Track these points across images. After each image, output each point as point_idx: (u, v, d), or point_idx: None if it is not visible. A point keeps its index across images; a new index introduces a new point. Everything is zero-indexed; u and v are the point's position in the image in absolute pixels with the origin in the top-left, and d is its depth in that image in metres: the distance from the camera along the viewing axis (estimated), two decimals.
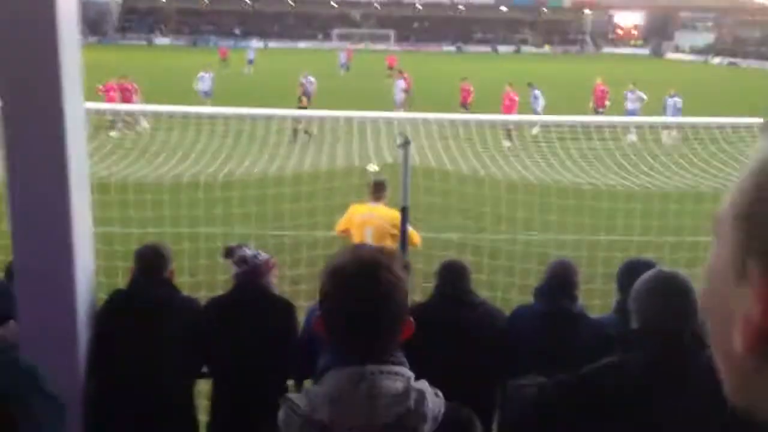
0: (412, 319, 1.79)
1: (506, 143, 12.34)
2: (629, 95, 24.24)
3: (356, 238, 7.22)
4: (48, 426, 1.81)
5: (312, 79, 27.24)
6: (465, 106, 24.85)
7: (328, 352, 1.85)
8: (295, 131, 12.44)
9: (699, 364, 2.45)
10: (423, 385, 1.73)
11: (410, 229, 7.53)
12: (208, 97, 27.24)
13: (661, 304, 2.54)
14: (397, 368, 1.73)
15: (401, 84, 26.94)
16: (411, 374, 1.74)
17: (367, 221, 7.23)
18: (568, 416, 2.61)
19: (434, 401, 1.71)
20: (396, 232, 7.30)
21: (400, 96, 26.48)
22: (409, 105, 26.53)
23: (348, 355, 1.73)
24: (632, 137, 15.45)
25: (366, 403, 1.65)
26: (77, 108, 3.59)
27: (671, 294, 2.54)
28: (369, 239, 7.21)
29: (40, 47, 3.33)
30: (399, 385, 1.68)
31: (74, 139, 3.48)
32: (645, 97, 24.07)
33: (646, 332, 2.57)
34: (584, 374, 2.62)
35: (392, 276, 1.72)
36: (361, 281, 1.71)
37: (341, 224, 7.44)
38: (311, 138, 10.67)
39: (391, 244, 7.19)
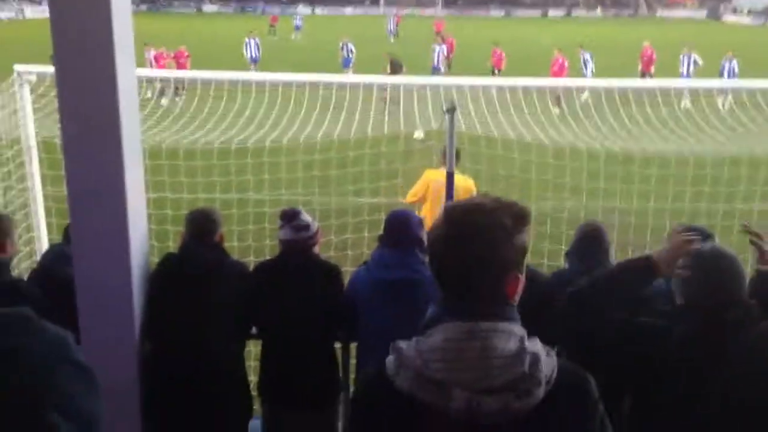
0: (521, 274, 1.72)
1: (555, 110, 12.12)
2: (684, 59, 23.54)
3: (431, 204, 7.26)
4: (79, 396, 1.85)
5: (351, 46, 27.23)
6: (496, 72, 24.51)
7: (438, 302, 1.75)
8: (384, 102, 12.35)
9: (743, 341, 2.44)
10: (536, 345, 1.66)
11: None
12: (255, 62, 27.48)
13: (703, 280, 2.54)
14: (510, 326, 1.67)
15: (442, 48, 26.60)
16: (523, 332, 1.67)
17: (443, 188, 7.25)
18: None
19: (547, 363, 1.64)
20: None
21: (440, 61, 26.20)
22: (447, 69, 26.34)
23: (459, 308, 1.68)
24: (687, 102, 15.06)
25: (479, 364, 1.60)
26: (129, 76, 3.66)
27: (715, 271, 2.53)
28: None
29: (93, 15, 3.39)
30: (512, 345, 1.62)
31: (127, 106, 3.54)
32: (700, 61, 23.35)
33: (687, 307, 2.57)
34: (640, 323, 2.62)
35: (504, 231, 1.65)
36: (472, 232, 1.65)
37: (417, 190, 7.45)
38: (386, 106, 10.64)
39: None
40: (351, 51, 27.47)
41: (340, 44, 28.06)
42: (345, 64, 27.36)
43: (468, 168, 8.91)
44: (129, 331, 3.72)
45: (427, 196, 7.38)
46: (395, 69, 6.93)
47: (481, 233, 1.65)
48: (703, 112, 9.15)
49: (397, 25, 48.02)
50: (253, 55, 27.63)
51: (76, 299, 3.59)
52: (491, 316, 1.66)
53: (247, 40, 27.86)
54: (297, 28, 47.23)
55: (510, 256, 1.68)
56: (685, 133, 9.20)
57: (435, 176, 7.43)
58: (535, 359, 1.61)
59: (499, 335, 1.63)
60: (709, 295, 2.51)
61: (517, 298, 1.73)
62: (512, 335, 1.64)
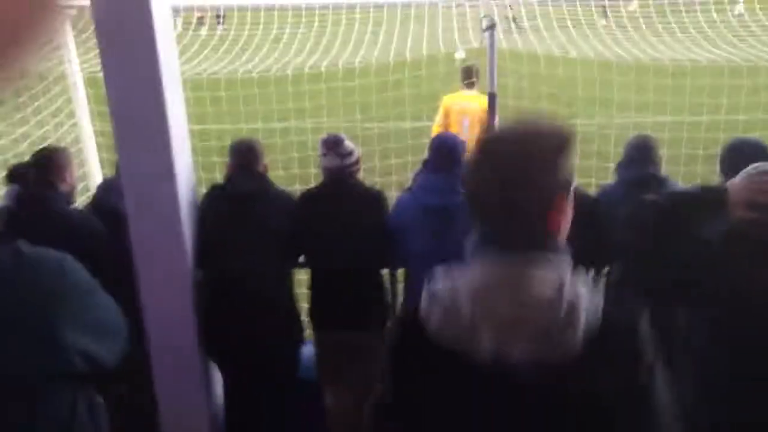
0: (566, 202, 1.54)
1: (602, 21, 11.70)
2: None
3: (454, 129, 7.17)
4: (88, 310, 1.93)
5: None
6: None
7: (475, 232, 1.61)
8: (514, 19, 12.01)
9: None
10: (578, 286, 1.45)
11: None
12: None
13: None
14: (550, 261, 1.47)
15: None
16: (566, 270, 1.47)
17: (465, 110, 7.16)
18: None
19: (591, 307, 1.44)
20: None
21: None
22: None
23: (494, 239, 1.52)
24: (740, 8, 14.38)
25: (510, 306, 1.44)
26: (165, 6, 3.63)
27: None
28: (466, 130, 7.15)
29: None
30: (550, 286, 1.43)
31: (163, 37, 3.52)
32: None
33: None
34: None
35: (545, 157, 1.47)
36: (506, 148, 1.49)
37: (440, 118, 7.37)
38: (520, 30, 10.29)
39: (479, 132, 7.12)
40: None
41: None
42: None
43: (510, 86, 8.73)
44: (181, 260, 3.81)
45: (449, 122, 7.27)
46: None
47: (517, 154, 1.47)
48: (758, 17, 8.71)
49: None
50: None
51: (129, 231, 3.67)
52: (530, 249, 1.47)
53: None
54: None
55: (551, 181, 1.48)
56: (739, 40, 8.80)
57: (453, 100, 7.30)
58: (574, 305, 1.42)
59: (536, 273, 1.45)
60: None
61: (562, 229, 1.54)
62: (551, 274, 1.45)
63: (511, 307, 1.44)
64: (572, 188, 1.55)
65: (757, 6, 9.49)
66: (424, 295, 1.53)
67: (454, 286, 1.50)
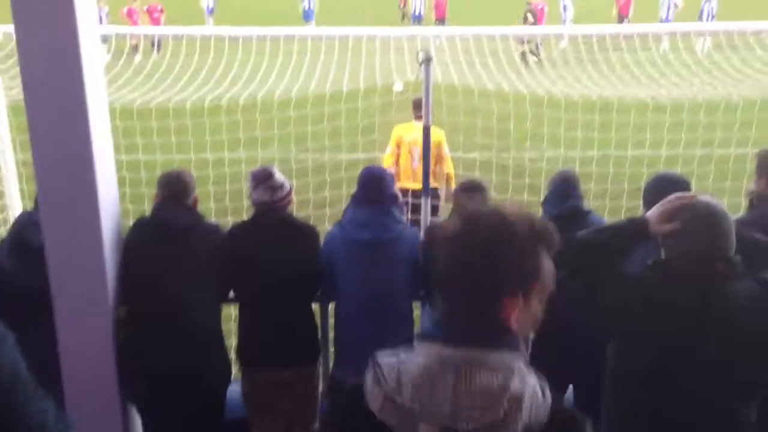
0: (527, 298, 1.50)
1: (533, 57, 12.03)
2: (663, 2, 23.34)
3: (404, 160, 7.23)
4: None
5: None
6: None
7: (435, 312, 1.57)
8: (523, 54, 12.03)
9: (733, 293, 2.45)
10: (525, 385, 1.42)
11: (448, 155, 7.51)
12: (212, 14, 27.22)
13: (695, 236, 2.52)
14: (501, 357, 1.45)
15: None
16: (517, 366, 1.44)
17: (417, 141, 7.23)
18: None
19: (537, 407, 1.41)
20: (438, 152, 7.30)
21: (421, 8, 25.81)
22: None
23: (448, 327, 1.50)
24: (665, 46, 15.00)
25: (451, 400, 1.41)
26: (92, 33, 3.55)
27: (706, 226, 2.51)
28: (416, 160, 7.21)
29: None
30: (495, 382, 1.41)
31: (90, 66, 3.44)
32: (680, 3, 23.16)
33: (678, 262, 2.55)
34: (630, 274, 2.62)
35: (510, 245, 1.47)
36: (473, 247, 1.48)
37: (391, 148, 7.41)
38: (539, 60, 10.34)
39: (433, 163, 7.20)
40: (313, 0, 26.83)
41: None
42: (306, 17, 26.84)
43: (446, 120, 8.85)
44: (102, 296, 3.69)
45: (401, 152, 7.36)
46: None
47: (486, 242, 1.46)
48: (681, 57, 9.11)
49: None
50: (210, 6, 27.38)
51: (47, 266, 3.54)
52: (482, 342, 1.46)
53: None
54: None
55: (514, 274, 1.47)
56: (663, 78, 9.16)
57: (405, 131, 7.38)
58: (518, 403, 1.39)
59: (482, 369, 1.43)
60: (700, 249, 2.50)
61: (520, 326, 1.49)
62: (499, 370, 1.43)
63: (453, 397, 1.41)
64: (541, 286, 1.51)
65: (681, 44, 9.90)
66: (369, 374, 1.52)
67: (399, 369, 1.48)
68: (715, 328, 2.43)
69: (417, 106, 7.44)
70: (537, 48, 15.62)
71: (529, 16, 21.91)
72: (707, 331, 2.42)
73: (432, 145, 7.15)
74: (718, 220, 2.50)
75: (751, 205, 3.76)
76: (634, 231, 2.63)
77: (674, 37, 9.69)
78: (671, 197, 2.59)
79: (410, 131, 7.44)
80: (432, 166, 7.32)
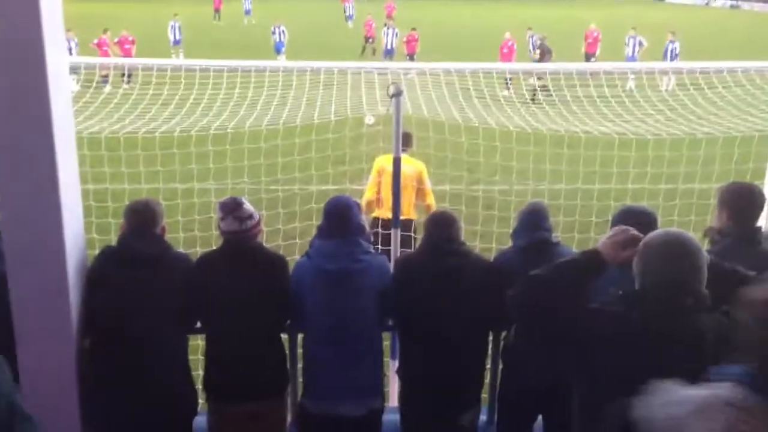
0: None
1: (504, 92, 12.20)
2: (629, 41, 23.97)
3: (385, 189, 7.24)
4: None
5: (284, 29, 27.24)
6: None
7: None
8: (534, 92, 12.03)
9: (699, 327, 2.48)
10: None
11: (429, 187, 7.55)
12: (177, 44, 27.56)
13: (664, 268, 2.55)
14: None
15: (394, 31, 26.62)
16: None
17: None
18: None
19: None
20: (418, 185, 7.34)
21: (392, 43, 26.25)
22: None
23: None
24: (631, 84, 15.34)
25: None
26: (60, 63, 3.54)
27: (674, 258, 2.55)
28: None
29: (20, 5, 3.26)
30: None
31: (58, 96, 3.43)
32: (646, 42, 23.79)
33: (645, 295, 2.58)
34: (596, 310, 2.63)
35: None
36: None
37: (372, 181, 7.41)
38: (551, 93, 10.34)
39: (411, 195, 7.23)
40: (283, 33, 27.31)
41: (272, 28, 27.85)
42: (277, 49, 27.15)
43: (416, 152, 8.91)
44: (66, 326, 3.62)
45: (382, 183, 7.37)
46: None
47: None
48: (646, 94, 9.31)
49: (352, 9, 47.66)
50: (176, 38, 27.71)
51: (10, 296, 3.47)
52: None
53: (171, 23, 27.91)
54: (247, 12, 46.75)
55: None
56: (629, 114, 9.35)
57: (385, 163, 7.41)
58: None
59: None
60: (670, 283, 2.53)
61: None
62: None
63: None
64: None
65: (646, 82, 10.11)
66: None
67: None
68: (683, 361, 2.44)
69: (404, 139, 7.48)
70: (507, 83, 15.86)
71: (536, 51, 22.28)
72: (676, 364, 2.44)
73: (413, 177, 7.22)
74: (692, 254, 2.55)
75: (712, 241, 3.82)
76: (588, 263, 2.71)
77: (639, 76, 9.90)
78: (618, 229, 2.75)
79: (391, 163, 7.46)
80: (413, 198, 7.36)
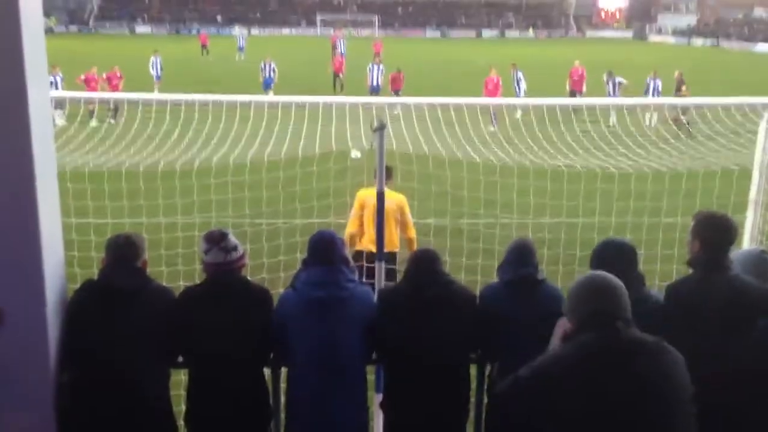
0: None
1: (489, 127, 12.30)
2: (609, 82, 24.40)
3: (368, 222, 7.25)
4: None
5: (274, 66, 27.56)
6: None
7: None
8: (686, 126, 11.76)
9: (639, 351, 2.56)
10: None
11: (411, 220, 7.56)
12: (159, 80, 27.85)
13: (590, 302, 2.77)
14: None
15: (380, 68, 26.97)
16: None
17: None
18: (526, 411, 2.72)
19: None
20: (401, 218, 7.36)
21: (377, 80, 26.57)
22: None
23: None
24: (613, 118, 15.58)
25: None
26: (43, 98, 3.55)
27: (597, 292, 2.76)
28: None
29: (3, 37, 3.28)
30: None
31: (39, 130, 3.43)
32: (625, 81, 24.19)
33: (579, 330, 2.67)
34: (535, 367, 2.71)
35: None
36: None
37: (354, 213, 7.42)
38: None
39: (394, 227, 7.24)
40: (273, 71, 27.67)
41: (262, 64, 28.14)
42: (266, 85, 27.41)
43: (400, 186, 8.94)
44: (43, 361, 3.57)
45: (364, 214, 7.39)
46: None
47: None
48: (629, 129, 9.43)
49: (334, 47, 48.29)
50: (158, 74, 27.95)
51: None
52: None
53: (153, 58, 28.17)
54: (240, 48, 47.31)
55: None
56: (611, 148, 9.46)
57: (366, 195, 7.43)
58: None
59: None
60: (599, 315, 2.72)
61: None
62: None
63: None
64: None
65: (628, 119, 10.26)
66: None
67: None
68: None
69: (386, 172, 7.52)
70: (492, 119, 16.02)
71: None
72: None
73: (395, 210, 7.24)
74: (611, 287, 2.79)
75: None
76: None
77: (621, 111, 10.03)
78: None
79: (373, 196, 7.48)
80: (395, 231, 7.36)
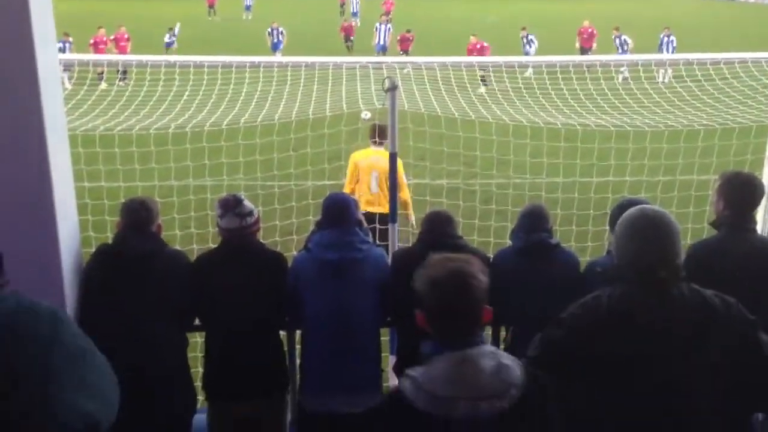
0: (489, 307, 2.27)
1: (481, 89, 12.09)
2: (616, 40, 24.08)
3: (362, 183, 7.22)
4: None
5: (282, 30, 27.07)
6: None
7: (431, 341, 2.27)
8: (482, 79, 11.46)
9: (676, 299, 2.45)
10: (507, 358, 2.24)
11: (405, 182, 7.52)
12: (170, 47, 27.33)
13: (637, 241, 2.52)
14: (486, 348, 2.24)
15: (388, 27, 26.64)
16: (497, 350, 2.28)
17: (374, 165, 7.23)
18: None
19: (516, 370, 2.20)
20: (398, 179, 7.31)
21: (385, 39, 26.29)
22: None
23: (450, 343, 2.22)
24: (624, 73, 15.31)
25: (473, 381, 2.15)
26: (52, 61, 3.50)
27: (647, 231, 2.51)
28: (374, 183, 7.21)
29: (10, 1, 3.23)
30: (493, 362, 2.19)
31: (49, 93, 3.39)
32: (630, 41, 23.86)
33: (620, 268, 2.56)
34: (563, 319, 2.59)
35: (477, 281, 2.22)
36: (456, 292, 2.21)
37: (349, 179, 7.39)
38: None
39: (386, 189, 7.20)
40: (282, 34, 27.27)
41: (269, 29, 27.75)
42: (274, 47, 27.10)
43: (412, 146, 8.89)
44: None
45: (358, 177, 7.35)
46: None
47: (468, 281, 2.20)
48: (643, 86, 9.29)
49: (342, 4, 47.61)
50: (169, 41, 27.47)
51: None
52: (474, 344, 2.22)
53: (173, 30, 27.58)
54: (247, 8, 46.73)
55: (485, 298, 2.25)
56: (625, 106, 9.33)
57: (360, 157, 7.39)
58: (509, 370, 2.19)
59: (482, 357, 2.19)
60: (644, 255, 2.49)
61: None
62: (490, 354, 2.21)
63: (474, 379, 2.16)
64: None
65: (642, 74, 10.09)
66: (406, 385, 2.20)
67: (430, 376, 2.18)
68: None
69: (374, 132, 7.46)
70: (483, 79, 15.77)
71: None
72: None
73: (386, 171, 7.17)
74: (655, 223, 2.52)
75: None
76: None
77: (636, 68, 9.89)
78: None
79: (366, 157, 7.43)
80: (386, 192, 7.31)
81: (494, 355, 2.21)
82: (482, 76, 12.59)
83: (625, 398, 2.44)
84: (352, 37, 29.89)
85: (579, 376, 2.50)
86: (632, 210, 2.61)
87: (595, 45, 24.87)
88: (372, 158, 7.29)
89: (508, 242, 4.29)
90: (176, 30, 27.75)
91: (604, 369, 2.45)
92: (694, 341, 2.41)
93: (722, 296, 2.50)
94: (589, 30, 25.26)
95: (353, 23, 30.79)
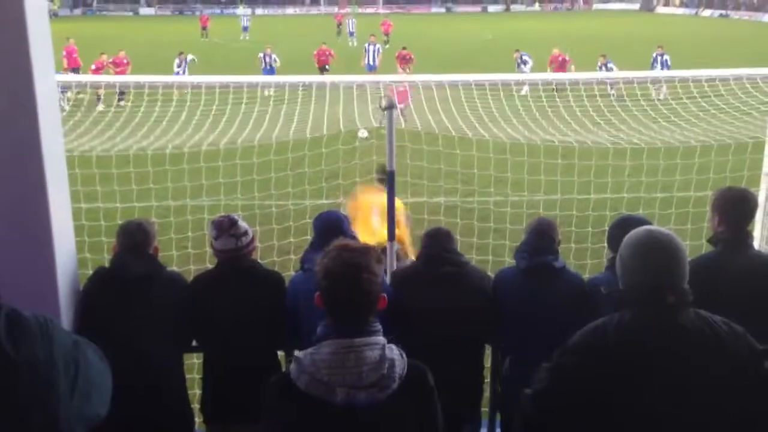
0: (385, 295, 2.40)
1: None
2: (600, 67, 23.77)
3: (363, 220, 7.19)
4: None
5: (275, 57, 26.24)
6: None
7: (324, 324, 2.37)
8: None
9: (685, 323, 2.42)
10: (393, 352, 2.33)
11: (404, 223, 7.49)
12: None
13: (643, 264, 2.48)
14: (374, 339, 2.33)
15: (376, 47, 26.77)
16: (384, 341, 2.35)
17: (374, 201, 7.20)
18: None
19: (400, 364, 2.32)
20: (398, 219, 7.27)
21: (375, 59, 26.40)
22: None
23: (340, 330, 2.32)
24: (623, 93, 15.30)
25: (355, 370, 2.24)
26: (49, 83, 3.51)
27: (653, 253, 2.48)
28: (377, 221, 7.17)
29: (8, 22, 3.23)
30: (376, 353, 2.29)
31: (47, 115, 3.40)
32: (614, 68, 23.77)
33: (627, 292, 2.52)
34: (570, 349, 2.54)
35: (370, 274, 2.32)
36: (347, 282, 2.31)
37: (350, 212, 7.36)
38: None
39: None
40: (275, 61, 26.32)
41: (260, 55, 26.84)
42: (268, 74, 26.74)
43: (410, 165, 8.88)
44: None
45: (360, 211, 7.31)
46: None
47: (360, 275, 2.30)
48: (639, 103, 9.32)
49: (339, 25, 48.04)
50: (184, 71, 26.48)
51: None
52: (362, 334, 2.32)
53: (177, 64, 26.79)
54: (245, 29, 47.18)
55: (380, 289, 2.38)
56: (622, 123, 9.36)
57: (363, 191, 7.33)
58: (392, 363, 2.29)
59: (367, 348, 2.30)
60: (651, 278, 2.45)
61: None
62: (377, 345, 2.31)
63: (355, 368, 2.26)
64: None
65: (637, 90, 10.11)
66: (293, 366, 2.31)
67: (314, 359, 2.29)
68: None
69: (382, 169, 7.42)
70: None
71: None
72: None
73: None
74: (663, 246, 2.47)
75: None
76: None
77: (631, 86, 9.92)
78: None
79: (369, 193, 7.41)
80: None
81: (381, 347, 2.30)
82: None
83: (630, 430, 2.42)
84: (327, 66, 28.31)
85: (586, 416, 2.47)
86: (639, 232, 2.56)
87: (573, 68, 24.27)
88: (374, 196, 7.24)
89: (507, 260, 4.27)
90: (187, 59, 26.67)
91: (608, 410, 2.41)
92: (701, 371, 2.38)
93: (730, 324, 2.46)
94: (560, 58, 24.77)
95: (328, 51, 28.94)
